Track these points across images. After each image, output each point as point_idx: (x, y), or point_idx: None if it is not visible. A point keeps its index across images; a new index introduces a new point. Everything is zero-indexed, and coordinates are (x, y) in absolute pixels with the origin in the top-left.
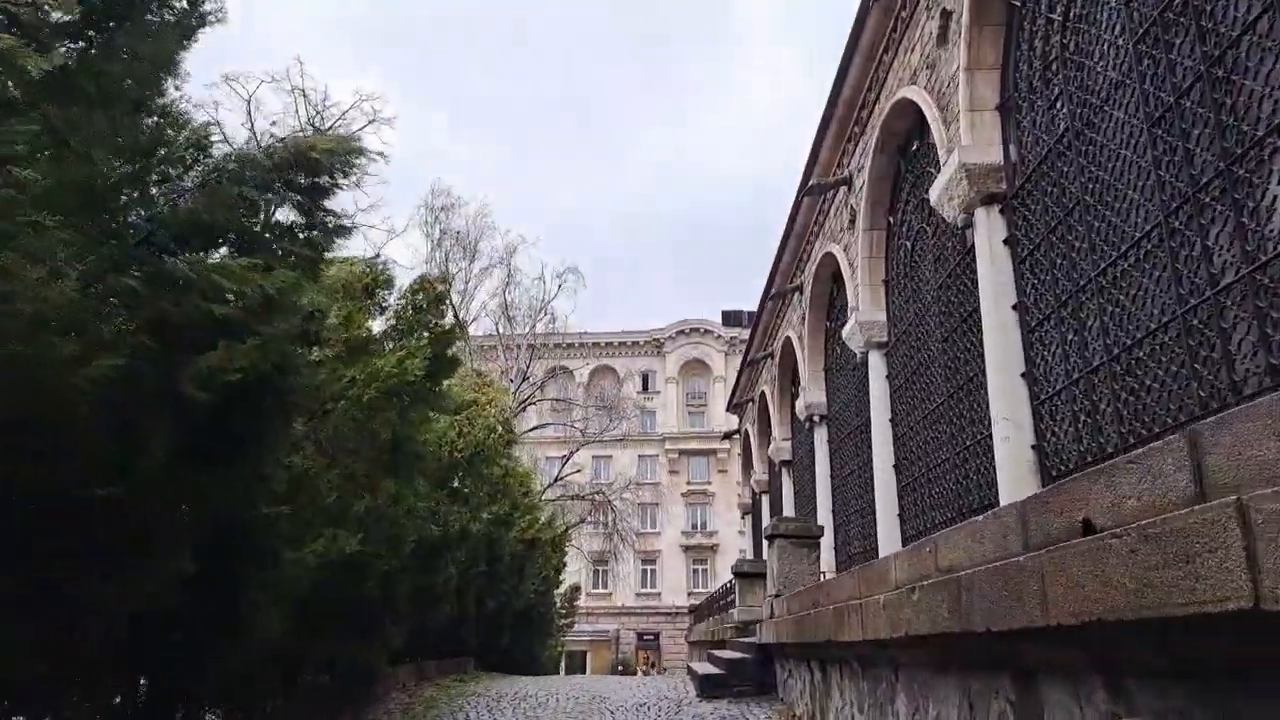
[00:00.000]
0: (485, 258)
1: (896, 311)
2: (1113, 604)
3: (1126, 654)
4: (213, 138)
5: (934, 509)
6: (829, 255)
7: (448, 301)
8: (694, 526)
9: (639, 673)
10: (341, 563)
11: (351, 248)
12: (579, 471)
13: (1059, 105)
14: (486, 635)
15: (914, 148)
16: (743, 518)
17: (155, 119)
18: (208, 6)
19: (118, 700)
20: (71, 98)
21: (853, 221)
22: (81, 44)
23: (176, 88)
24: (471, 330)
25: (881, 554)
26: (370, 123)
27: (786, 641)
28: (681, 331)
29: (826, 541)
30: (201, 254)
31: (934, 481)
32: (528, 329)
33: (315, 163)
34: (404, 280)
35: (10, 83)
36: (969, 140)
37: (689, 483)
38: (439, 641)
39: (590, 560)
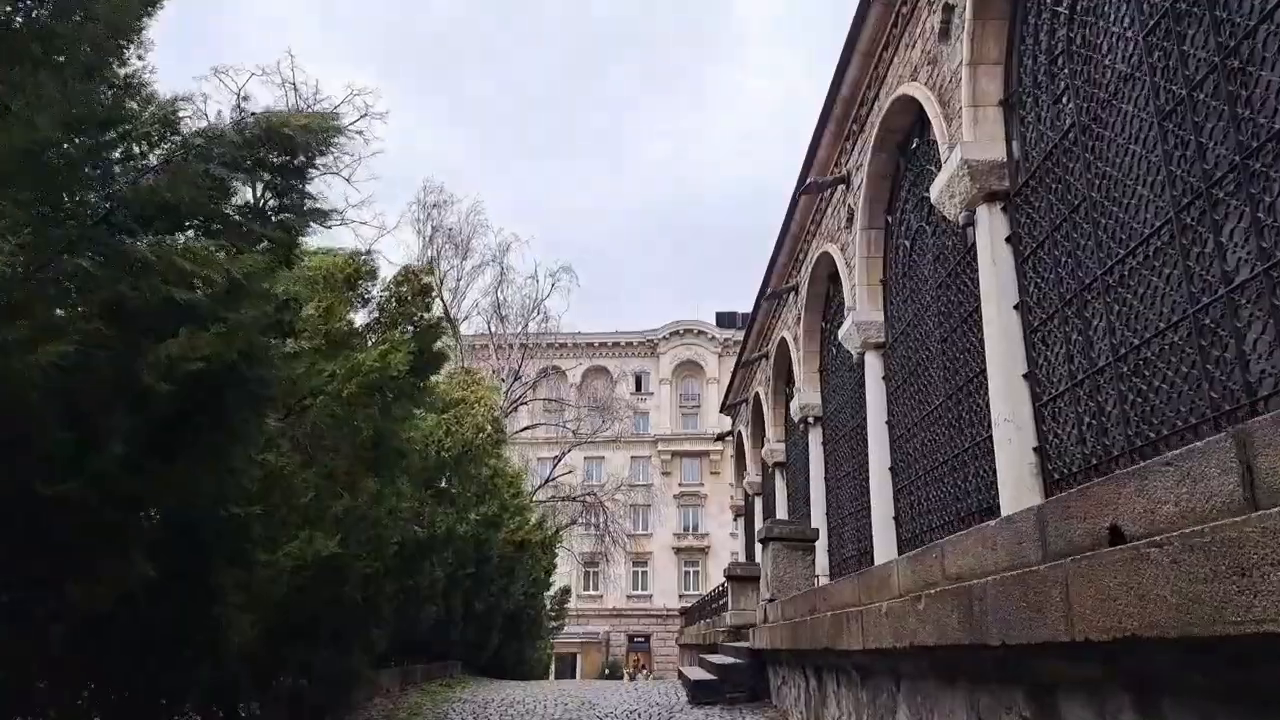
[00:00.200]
0: (478, 255)
1: (894, 311)
2: (1151, 619)
3: (1162, 671)
4: (181, 113)
5: (931, 512)
6: (826, 255)
7: (436, 294)
8: (686, 528)
9: (626, 676)
10: (318, 565)
11: (343, 244)
12: (571, 472)
13: (1065, 100)
14: (475, 638)
15: (914, 145)
16: (735, 520)
17: (114, 89)
18: None
19: (83, 704)
20: (14, 57)
21: (850, 220)
22: (29, 1)
23: (140, 58)
24: (463, 329)
25: (877, 558)
26: (362, 117)
27: (781, 648)
28: (675, 332)
29: (820, 545)
30: (165, 237)
31: (931, 484)
32: (520, 328)
33: (289, 140)
34: (391, 274)
35: None
36: (971, 136)
37: (681, 484)
38: (425, 645)
39: (581, 562)
